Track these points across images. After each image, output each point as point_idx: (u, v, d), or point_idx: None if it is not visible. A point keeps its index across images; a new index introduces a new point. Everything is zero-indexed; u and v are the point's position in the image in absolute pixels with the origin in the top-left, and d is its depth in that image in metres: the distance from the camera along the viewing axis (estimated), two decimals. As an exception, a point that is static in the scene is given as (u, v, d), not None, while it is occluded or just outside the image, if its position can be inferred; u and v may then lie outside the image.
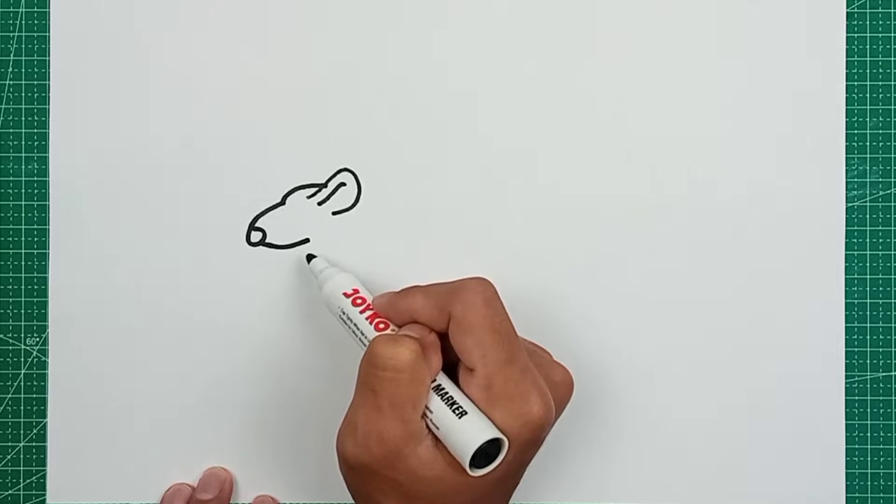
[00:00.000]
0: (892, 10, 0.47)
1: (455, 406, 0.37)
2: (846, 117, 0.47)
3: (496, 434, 0.36)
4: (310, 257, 0.45)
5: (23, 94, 0.46)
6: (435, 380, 0.38)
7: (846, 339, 0.47)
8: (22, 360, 0.47)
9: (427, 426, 0.38)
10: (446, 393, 0.38)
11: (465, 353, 0.38)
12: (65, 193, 0.46)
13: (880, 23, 0.47)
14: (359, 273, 0.46)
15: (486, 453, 0.37)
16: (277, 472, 0.47)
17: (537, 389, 0.37)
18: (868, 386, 0.47)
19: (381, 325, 0.41)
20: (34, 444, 0.47)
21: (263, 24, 0.46)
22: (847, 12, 0.47)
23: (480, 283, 0.39)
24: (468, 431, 0.36)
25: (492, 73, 0.46)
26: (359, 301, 0.42)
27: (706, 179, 0.46)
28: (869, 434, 0.47)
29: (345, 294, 0.42)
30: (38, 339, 0.46)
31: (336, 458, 0.39)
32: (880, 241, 0.47)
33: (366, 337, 0.41)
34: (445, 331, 0.39)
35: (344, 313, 0.42)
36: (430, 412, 0.37)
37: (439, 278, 0.41)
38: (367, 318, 0.41)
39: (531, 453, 0.38)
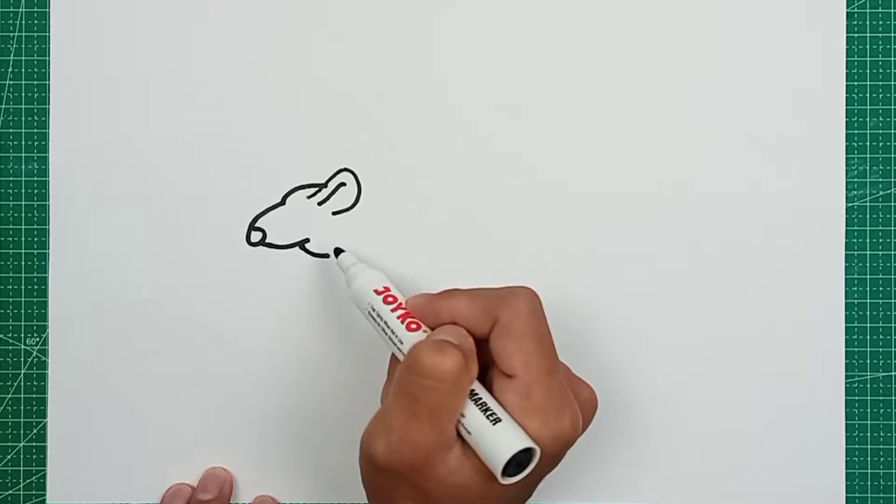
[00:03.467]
0: (892, 10, 0.47)
1: (489, 412, 0.36)
2: (846, 117, 0.47)
3: (530, 443, 0.36)
4: (338, 251, 0.45)
5: (23, 94, 0.46)
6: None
7: (846, 339, 0.47)
8: (22, 360, 0.47)
9: (457, 431, 0.37)
10: (480, 398, 0.37)
11: (507, 358, 0.37)
12: (65, 193, 0.46)
13: (880, 23, 0.47)
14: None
15: (515, 461, 0.36)
16: (277, 472, 0.47)
17: (570, 405, 0.37)
18: (868, 386, 0.47)
19: (413, 325, 0.40)
20: (34, 444, 0.47)
21: (263, 24, 0.46)
22: (847, 12, 0.47)
23: (529, 292, 0.38)
24: (503, 438, 0.36)
25: (492, 73, 0.46)
26: (390, 299, 0.41)
27: (706, 179, 0.46)
28: (869, 434, 0.47)
29: (376, 291, 0.41)
30: (38, 339, 0.46)
31: (354, 459, 0.38)
32: (880, 241, 0.47)
33: (396, 335, 0.40)
34: (485, 336, 0.38)
35: (374, 310, 0.41)
36: (463, 417, 0.37)
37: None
38: (398, 317, 0.40)
39: (552, 466, 0.38)
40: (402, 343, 0.39)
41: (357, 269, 0.43)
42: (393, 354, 0.41)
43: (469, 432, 0.36)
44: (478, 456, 0.36)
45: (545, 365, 0.37)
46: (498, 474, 0.36)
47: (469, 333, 0.38)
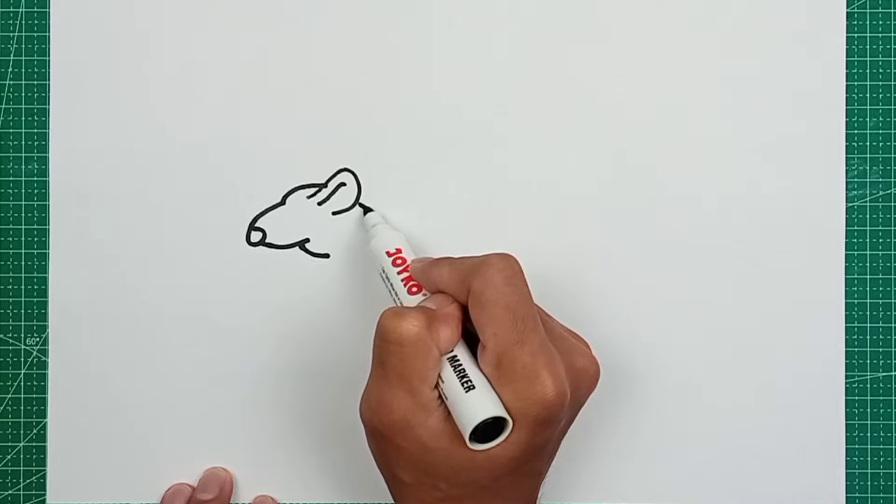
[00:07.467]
0: (892, 10, 0.47)
1: (465, 379, 0.37)
2: (846, 117, 0.47)
3: (500, 412, 0.36)
4: (366, 210, 0.46)
5: (23, 94, 0.46)
6: (452, 351, 0.38)
7: (846, 339, 0.47)
8: (22, 360, 0.47)
9: (440, 396, 0.38)
10: (460, 365, 0.38)
11: (480, 328, 0.38)
12: (65, 193, 0.46)
13: (880, 23, 0.47)
14: (360, 272, 0.46)
15: (494, 431, 0.36)
16: (277, 472, 0.47)
17: (550, 372, 0.37)
18: (868, 386, 0.47)
19: (414, 289, 0.41)
20: (34, 444, 0.47)
21: (263, 23, 0.46)
22: (847, 12, 0.47)
23: (504, 261, 0.38)
24: (472, 406, 0.36)
25: (492, 73, 0.46)
26: (399, 261, 0.42)
27: (706, 179, 0.46)
28: (869, 434, 0.47)
29: (387, 252, 0.43)
30: (38, 339, 0.46)
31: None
32: (880, 241, 0.47)
33: (398, 297, 0.41)
34: (466, 304, 0.39)
35: (384, 271, 0.43)
36: (443, 382, 0.38)
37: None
38: (402, 280, 0.42)
39: (544, 437, 0.38)
40: (402, 304, 0.41)
41: (377, 229, 0.44)
42: None
43: (446, 397, 0.37)
44: None
45: (514, 335, 0.37)
46: (466, 440, 0.36)
47: (455, 300, 0.39)
